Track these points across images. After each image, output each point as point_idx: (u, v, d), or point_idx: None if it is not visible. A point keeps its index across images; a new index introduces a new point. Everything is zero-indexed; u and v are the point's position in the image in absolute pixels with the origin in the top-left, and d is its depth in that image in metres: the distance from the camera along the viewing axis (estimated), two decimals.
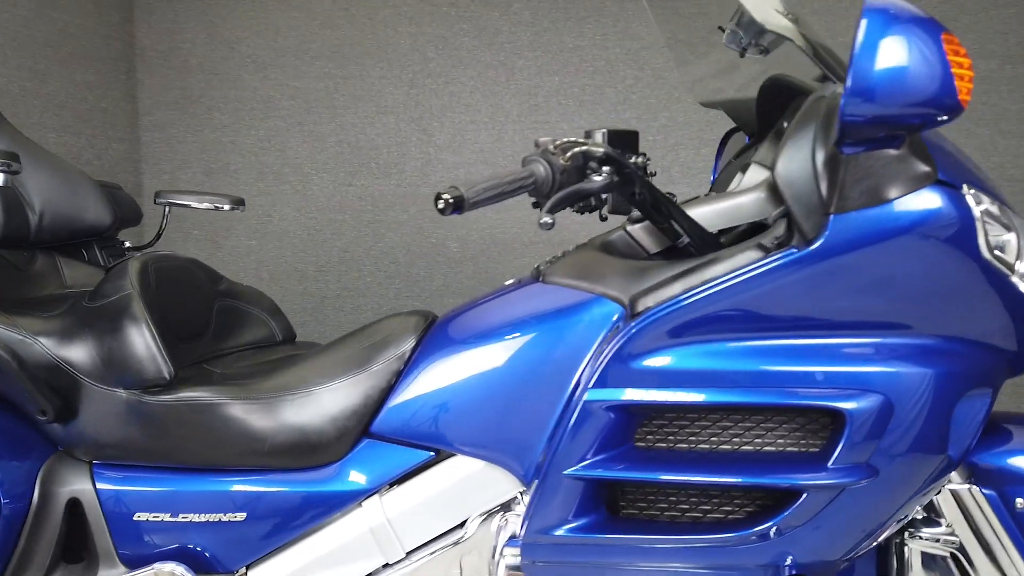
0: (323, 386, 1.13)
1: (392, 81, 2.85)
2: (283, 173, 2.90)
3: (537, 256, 2.83)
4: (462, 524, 1.08)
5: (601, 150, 0.97)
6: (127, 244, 1.66)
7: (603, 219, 1.66)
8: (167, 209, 1.62)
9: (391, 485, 1.11)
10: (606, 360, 0.99)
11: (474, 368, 1.08)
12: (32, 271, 1.38)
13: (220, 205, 1.60)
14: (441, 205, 0.87)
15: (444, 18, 2.80)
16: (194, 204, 1.60)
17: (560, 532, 1.02)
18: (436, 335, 1.15)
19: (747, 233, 1.11)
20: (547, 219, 0.92)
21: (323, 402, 1.12)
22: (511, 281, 1.22)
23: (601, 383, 0.99)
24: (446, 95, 2.82)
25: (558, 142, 0.97)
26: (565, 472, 1.00)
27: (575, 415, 1.00)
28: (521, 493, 1.07)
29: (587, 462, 1.00)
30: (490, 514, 1.07)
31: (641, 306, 1.00)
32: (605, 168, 0.97)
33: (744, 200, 1.08)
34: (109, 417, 1.10)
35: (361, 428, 1.12)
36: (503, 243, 2.84)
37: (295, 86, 2.90)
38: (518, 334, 1.07)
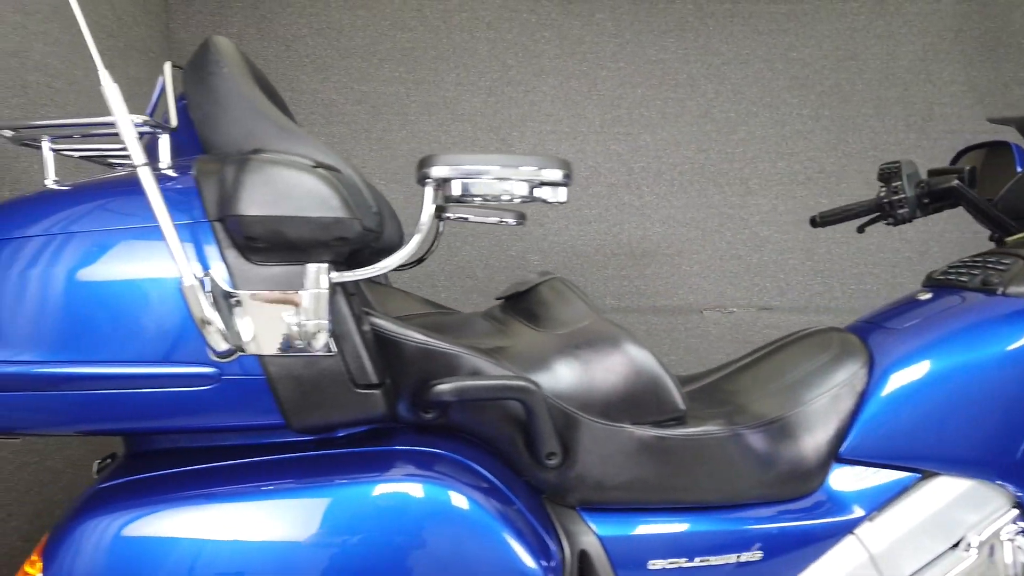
0: (794, 411, 1.07)
1: (469, 88, 2.73)
2: None
3: (616, 269, 2.82)
4: (955, 544, 1.07)
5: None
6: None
7: (860, 231, 1.70)
8: (440, 226, 1.45)
9: (878, 509, 1.07)
10: None
11: (953, 385, 1.07)
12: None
13: (505, 220, 1.45)
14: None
15: (525, 25, 2.73)
16: (472, 218, 1.44)
17: None
18: (888, 350, 1.13)
19: None
20: None
21: (799, 428, 1.06)
22: (924, 291, 1.23)
23: None
24: (526, 104, 2.74)
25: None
26: None
27: None
28: (1019, 507, 1.07)
29: None
30: (990, 531, 1.07)
31: None
32: None
33: None
34: (616, 456, 0.98)
35: (832, 453, 1.08)
36: (585, 255, 2.80)
37: (361, 90, 2.71)
38: (1000, 348, 1.08)
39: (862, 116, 2.81)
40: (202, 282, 0.80)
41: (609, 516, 1.00)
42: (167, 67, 1.01)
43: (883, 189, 1.51)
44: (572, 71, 2.74)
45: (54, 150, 0.95)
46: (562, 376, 0.99)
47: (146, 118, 0.87)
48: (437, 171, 0.84)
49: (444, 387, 0.91)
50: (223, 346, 0.81)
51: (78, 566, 0.79)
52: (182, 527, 0.81)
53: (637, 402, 1.00)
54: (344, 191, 0.83)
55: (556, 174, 0.86)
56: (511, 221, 1.46)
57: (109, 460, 1.16)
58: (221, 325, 0.81)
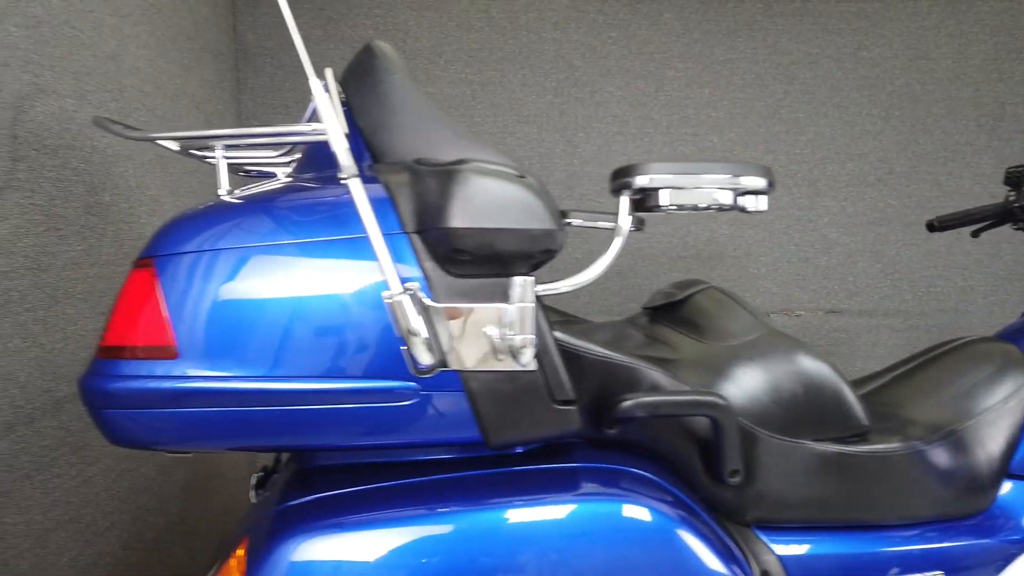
0: (966, 424, 1.04)
1: (535, 89, 2.71)
2: None
3: (683, 272, 2.79)
4: None
5: None
6: None
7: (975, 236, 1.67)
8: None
9: None
10: None
11: None
12: None
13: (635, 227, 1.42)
14: None
15: (592, 25, 2.70)
16: (601, 224, 1.41)
17: None
18: None
19: None
20: None
21: (973, 441, 1.03)
22: None
23: None
24: (592, 105, 2.72)
25: None
26: None
27: None
28: None
29: None
30: None
31: None
32: None
33: None
34: (797, 474, 0.95)
35: (1004, 467, 1.05)
36: (651, 257, 2.77)
37: (427, 91, 2.69)
38: None
39: (933, 116, 2.77)
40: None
41: (786, 535, 0.98)
42: (329, 74, 0.99)
43: (1012, 193, 1.47)
44: (639, 71, 2.71)
45: (228, 159, 0.93)
46: (739, 390, 0.97)
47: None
48: (641, 180, 0.81)
49: (635, 402, 0.88)
50: (428, 360, 0.79)
51: None
52: (385, 545, 0.79)
53: (819, 418, 0.97)
54: (550, 201, 0.81)
55: (760, 182, 0.83)
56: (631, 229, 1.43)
57: (262, 474, 1.14)
58: (428, 337, 0.78)
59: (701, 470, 0.95)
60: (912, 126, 2.77)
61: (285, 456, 1.23)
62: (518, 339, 0.79)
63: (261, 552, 0.79)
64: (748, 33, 2.72)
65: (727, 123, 2.74)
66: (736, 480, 0.93)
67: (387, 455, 0.92)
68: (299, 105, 2.68)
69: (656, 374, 0.93)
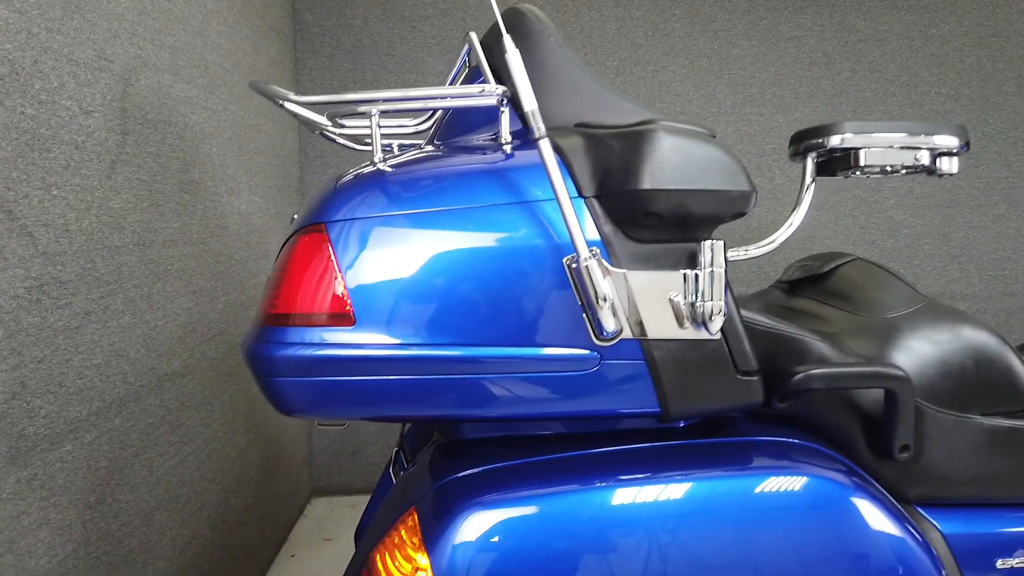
0: None
1: (597, 67, 2.66)
2: None
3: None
4: None
5: None
6: None
7: None
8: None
9: None
10: None
11: None
12: None
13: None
14: None
15: (655, 3, 2.65)
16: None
17: None
18: None
19: None
20: None
21: None
22: None
23: None
24: (655, 84, 2.67)
25: None
26: None
27: None
28: None
29: None
30: None
31: None
32: None
33: None
34: (964, 449, 0.92)
35: None
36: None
37: None
38: None
39: (1003, 95, 2.70)
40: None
41: (951, 512, 0.94)
42: (473, 36, 0.96)
43: None
44: (702, 50, 2.67)
45: (381, 126, 0.90)
46: (903, 363, 0.93)
47: (504, 89, 0.82)
48: (833, 140, 0.78)
49: (811, 373, 0.85)
50: (613, 326, 0.76)
51: (466, 556, 0.75)
52: (562, 515, 0.77)
53: (988, 391, 0.94)
54: (742, 162, 0.77)
55: (953, 141, 0.79)
56: None
57: (398, 450, 1.12)
58: (616, 303, 0.76)
59: (864, 445, 0.91)
60: (981, 105, 2.71)
61: (407, 427, 1.20)
62: (709, 305, 0.76)
63: (435, 523, 0.77)
64: (815, 10, 2.67)
65: (793, 102, 2.69)
66: (906, 456, 0.90)
67: (536, 427, 0.89)
68: (358, 84, 2.65)
69: (823, 346, 0.90)
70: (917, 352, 0.95)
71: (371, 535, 0.87)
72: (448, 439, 0.95)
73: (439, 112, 1.01)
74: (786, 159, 2.70)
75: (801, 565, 0.77)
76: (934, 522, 0.94)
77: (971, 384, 0.94)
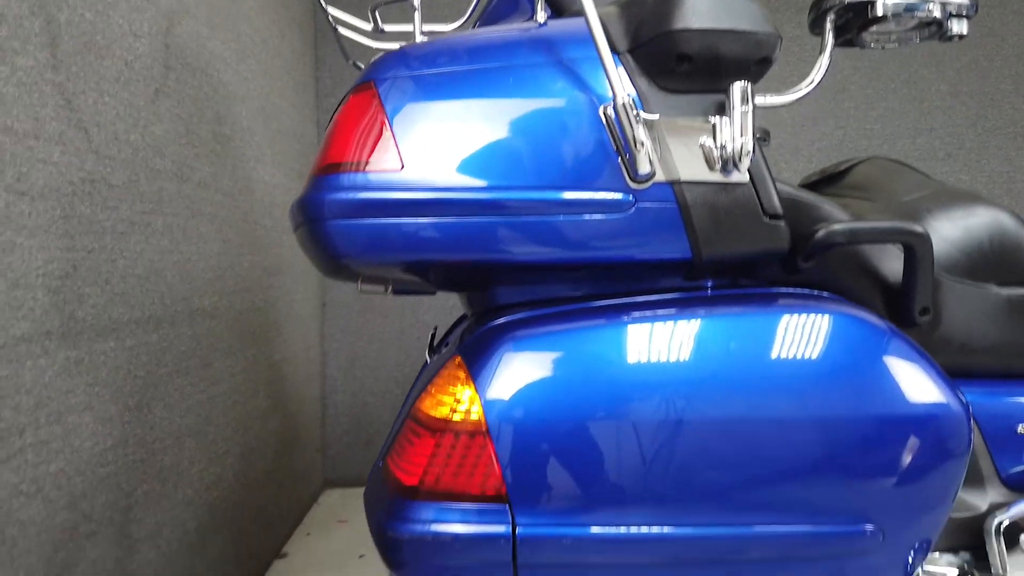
0: None
1: None
2: None
3: None
4: None
5: None
6: None
7: None
8: None
9: None
10: None
11: None
12: None
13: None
14: None
15: None
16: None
17: None
18: None
19: None
20: None
21: None
22: None
23: None
24: None
25: None
26: None
27: None
28: None
29: None
30: None
31: None
32: None
33: None
34: (982, 318, 0.95)
35: None
36: None
37: None
38: None
39: (1001, 92, 2.79)
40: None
41: (973, 382, 0.97)
42: None
43: None
44: None
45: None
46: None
47: None
48: None
49: (833, 229, 0.89)
50: (647, 168, 0.80)
51: (515, 383, 0.78)
52: (598, 344, 0.80)
53: (1003, 262, 0.97)
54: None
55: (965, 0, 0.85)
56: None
57: (433, 333, 1.15)
58: (650, 148, 0.80)
59: (886, 313, 0.95)
60: (981, 101, 2.79)
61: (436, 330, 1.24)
62: (738, 144, 0.81)
63: (480, 357, 0.80)
64: None
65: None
66: (926, 319, 0.93)
67: (567, 290, 0.93)
68: None
69: (843, 213, 0.94)
70: (933, 228, 0.99)
71: (415, 395, 0.90)
72: (479, 310, 0.98)
73: (478, 3, 1.08)
74: (791, 152, 2.77)
75: (834, 396, 0.80)
76: (970, 395, 0.96)
77: (987, 257, 0.97)
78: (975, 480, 0.95)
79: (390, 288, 0.96)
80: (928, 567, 0.91)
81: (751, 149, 0.82)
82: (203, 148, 1.52)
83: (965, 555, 0.93)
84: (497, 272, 0.86)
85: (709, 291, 0.90)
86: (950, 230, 0.99)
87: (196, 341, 1.46)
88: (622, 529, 0.77)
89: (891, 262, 0.95)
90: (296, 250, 2.29)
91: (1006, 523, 0.91)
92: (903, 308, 0.94)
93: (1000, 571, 0.91)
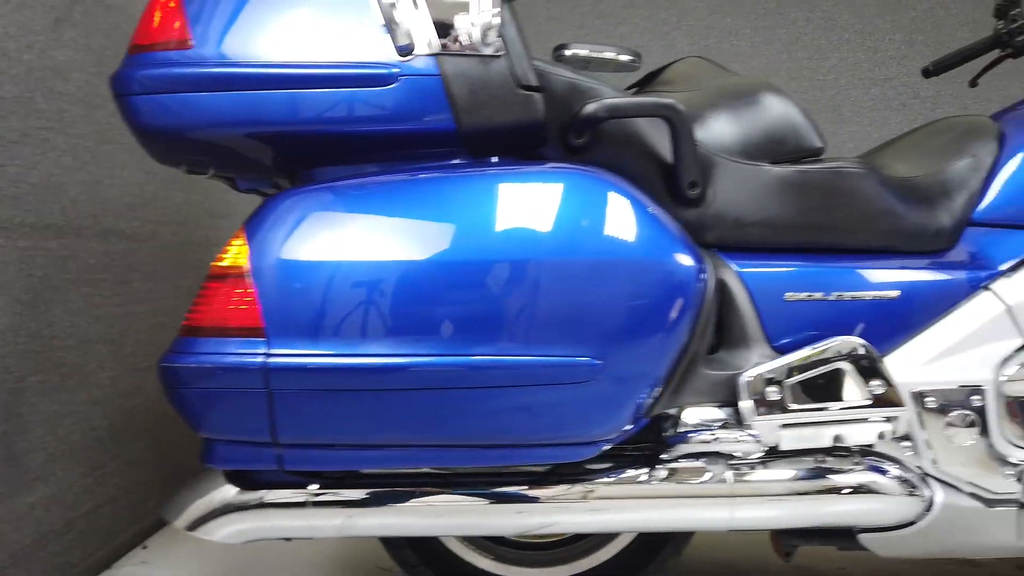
0: (927, 172, 1.10)
1: (560, 22, 2.82)
2: None
3: None
4: None
5: None
6: None
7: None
8: None
9: (1014, 267, 1.08)
10: None
11: None
12: None
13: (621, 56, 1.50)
14: None
15: None
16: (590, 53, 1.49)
17: None
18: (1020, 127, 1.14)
19: None
20: None
21: (934, 188, 1.09)
22: None
23: None
24: (616, 36, 2.81)
25: None
26: None
27: None
28: None
29: None
30: None
31: None
32: None
33: None
34: (755, 193, 1.02)
35: (966, 215, 1.09)
36: None
37: None
38: None
39: (957, 40, 2.77)
40: None
41: (747, 255, 1.04)
42: None
43: (1000, 23, 1.51)
44: (662, 2, 2.81)
45: None
46: (704, 124, 1.04)
47: None
48: None
49: (596, 105, 0.96)
50: (405, 40, 0.89)
51: (277, 233, 0.88)
52: (367, 203, 0.89)
53: (775, 140, 1.04)
54: None
55: None
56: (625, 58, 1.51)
57: None
58: (407, 21, 0.89)
59: (664, 191, 1.02)
60: (936, 50, 2.77)
61: None
62: (486, 17, 0.89)
63: (254, 215, 0.91)
64: None
65: (750, 51, 2.81)
66: (695, 192, 1.00)
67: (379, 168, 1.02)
68: None
69: (617, 94, 1.01)
70: (712, 113, 1.06)
71: None
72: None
73: None
74: None
75: (560, 243, 0.88)
76: (730, 264, 1.03)
77: (762, 138, 1.04)
78: (741, 342, 1.01)
79: (212, 172, 1.06)
80: (686, 419, 0.99)
81: (497, 23, 0.89)
82: None
83: (728, 410, 1.00)
84: (283, 148, 0.95)
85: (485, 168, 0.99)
86: (728, 113, 1.05)
87: (109, 258, 1.58)
88: (364, 360, 0.87)
89: (664, 142, 1.02)
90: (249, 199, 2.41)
91: (750, 378, 0.98)
92: (675, 184, 1.00)
93: (748, 424, 0.98)
